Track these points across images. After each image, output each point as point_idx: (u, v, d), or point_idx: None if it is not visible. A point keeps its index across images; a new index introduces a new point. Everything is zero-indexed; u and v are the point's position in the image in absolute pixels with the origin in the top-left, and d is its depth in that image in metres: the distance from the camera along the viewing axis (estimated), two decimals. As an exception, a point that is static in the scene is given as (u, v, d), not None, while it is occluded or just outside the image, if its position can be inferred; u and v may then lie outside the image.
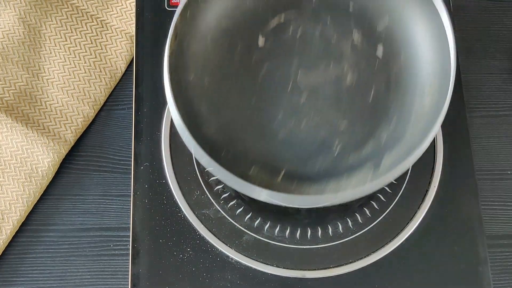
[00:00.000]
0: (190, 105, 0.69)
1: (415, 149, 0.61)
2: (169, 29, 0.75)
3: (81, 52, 0.75)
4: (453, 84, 0.63)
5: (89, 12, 0.76)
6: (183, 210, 0.68)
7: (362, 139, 0.68)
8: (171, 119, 0.71)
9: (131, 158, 0.70)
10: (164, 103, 0.72)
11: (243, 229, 0.69)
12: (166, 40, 0.74)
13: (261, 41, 0.72)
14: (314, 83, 0.71)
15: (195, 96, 0.69)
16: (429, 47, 0.69)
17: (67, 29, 0.76)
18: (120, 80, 0.75)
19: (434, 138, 0.71)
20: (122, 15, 0.77)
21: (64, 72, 0.74)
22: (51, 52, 0.75)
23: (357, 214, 0.70)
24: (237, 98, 0.70)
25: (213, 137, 0.68)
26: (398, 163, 0.61)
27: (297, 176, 0.67)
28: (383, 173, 0.63)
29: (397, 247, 0.67)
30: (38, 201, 0.70)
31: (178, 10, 0.67)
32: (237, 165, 0.66)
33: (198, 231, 0.65)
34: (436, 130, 0.61)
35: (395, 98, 0.69)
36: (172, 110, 0.64)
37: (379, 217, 0.70)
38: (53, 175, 0.71)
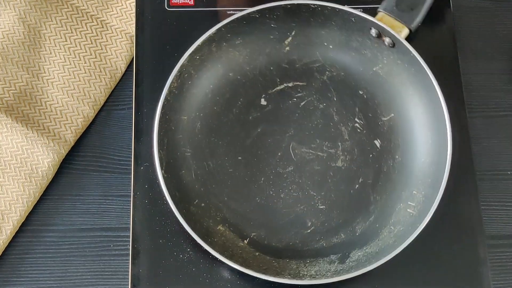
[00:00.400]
0: (176, 145, 0.69)
1: (384, 254, 0.63)
2: (169, 29, 0.76)
3: (81, 52, 0.75)
4: (439, 199, 0.64)
5: (89, 12, 0.76)
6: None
7: (336, 228, 0.69)
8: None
9: (131, 158, 0.70)
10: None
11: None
12: (166, 40, 0.75)
13: (263, 101, 0.72)
14: (304, 157, 0.71)
15: (183, 138, 0.70)
16: (427, 155, 0.69)
17: (67, 29, 0.76)
18: (120, 80, 0.75)
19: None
20: (122, 15, 0.76)
21: (64, 72, 0.74)
22: (51, 52, 0.75)
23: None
24: (224, 152, 0.71)
25: (189, 183, 0.69)
26: (364, 264, 0.63)
27: (262, 246, 0.68)
28: (345, 270, 0.64)
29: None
30: (38, 201, 0.70)
31: (188, 51, 0.68)
32: (205, 218, 0.67)
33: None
34: (410, 241, 0.63)
35: (380, 196, 0.70)
36: (154, 146, 0.66)
37: (379, 217, 0.70)
38: (53, 175, 0.71)
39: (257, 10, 0.70)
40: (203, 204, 0.68)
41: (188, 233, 0.63)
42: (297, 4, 0.70)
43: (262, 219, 0.69)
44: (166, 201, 0.68)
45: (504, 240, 0.70)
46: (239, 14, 0.70)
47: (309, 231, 0.68)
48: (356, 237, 0.68)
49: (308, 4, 0.70)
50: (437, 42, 0.75)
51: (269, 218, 0.69)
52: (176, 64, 0.69)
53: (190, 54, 0.69)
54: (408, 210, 0.67)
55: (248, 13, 0.70)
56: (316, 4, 0.70)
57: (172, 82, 0.68)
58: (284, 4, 0.70)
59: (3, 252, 0.68)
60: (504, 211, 0.71)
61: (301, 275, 0.65)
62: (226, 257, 0.62)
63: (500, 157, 0.73)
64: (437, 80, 0.68)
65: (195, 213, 0.67)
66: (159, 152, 0.66)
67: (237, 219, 0.68)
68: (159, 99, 0.67)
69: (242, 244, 0.67)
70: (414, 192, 0.68)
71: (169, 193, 0.64)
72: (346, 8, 0.70)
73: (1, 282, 0.68)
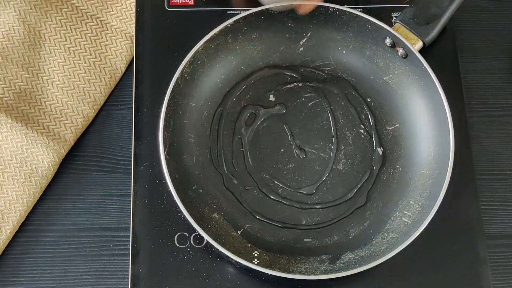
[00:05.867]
0: (181, 129, 0.70)
1: (375, 258, 0.63)
2: (169, 29, 0.76)
3: (81, 52, 0.75)
4: (435, 211, 0.64)
5: (89, 12, 0.76)
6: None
7: (330, 229, 0.69)
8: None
9: (131, 158, 0.70)
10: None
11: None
12: (166, 40, 0.75)
13: (272, 97, 0.73)
14: (306, 156, 0.71)
15: (189, 123, 0.71)
16: (427, 167, 0.69)
17: (67, 29, 0.76)
18: (120, 80, 0.75)
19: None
20: (122, 15, 0.77)
21: (64, 72, 0.74)
22: (51, 52, 0.75)
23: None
24: (227, 142, 0.71)
25: (190, 168, 0.70)
26: (354, 266, 0.64)
27: (254, 238, 0.68)
28: (335, 270, 0.65)
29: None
30: (38, 201, 0.70)
31: (204, 38, 0.69)
32: (202, 204, 0.68)
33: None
34: (401, 248, 0.63)
35: (376, 203, 0.70)
36: (160, 126, 0.66)
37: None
38: (53, 175, 0.71)
39: (276, 7, 0.71)
40: (201, 190, 0.69)
41: (184, 219, 0.64)
42: (316, 6, 0.71)
43: (257, 212, 0.69)
44: (166, 201, 0.68)
45: (504, 240, 0.70)
46: (258, 8, 0.71)
47: (302, 229, 0.68)
48: (349, 240, 0.68)
49: (327, 7, 0.71)
50: (437, 43, 0.75)
51: (264, 211, 0.69)
52: (177, 64, 0.69)
53: (206, 42, 0.70)
54: (403, 219, 0.67)
55: (267, 9, 0.71)
56: (335, 8, 0.71)
57: (184, 67, 0.69)
58: (304, 5, 0.71)
59: (3, 252, 0.68)
60: (504, 211, 0.71)
61: (290, 270, 0.65)
62: (219, 243, 0.63)
63: (500, 156, 0.73)
64: (438, 80, 0.69)
65: (192, 198, 0.68)
66: (164, 133, 0.66)
67: (232, 209, 0.69)
68: (162, 95, 0.68)
69: (235, 234, 0.67)
70: (411, 202, 0.68)
71: (169, 174, 0.65)
72: (364, 15, 0.71)
73: (1, 282, 0.68)
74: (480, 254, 0.67)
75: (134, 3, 0.76)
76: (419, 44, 0.71)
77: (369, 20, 0.71)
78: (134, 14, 0.76)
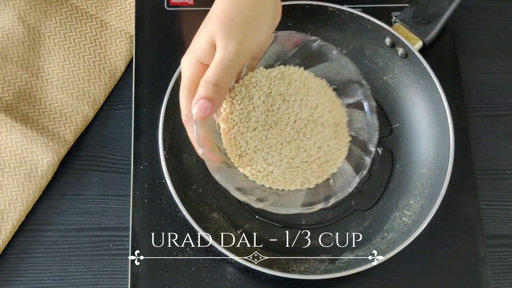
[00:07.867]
0: (181, 129, 0.69)
1: (371, 260, 0.64)
2: (169, 28, 0.76)
3: (81, 52, 0.75)
4: (435, 211, 0.64)
5: (89, 12, 0.76)
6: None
7: (330, 229, 0.69)
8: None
9: (131, 158, 0.70)
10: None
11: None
12: (166, 40, 0.75)
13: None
14: None
15: None
16: (427, 167, 0.69)
17: (66, 29, 0.76)
18: (119, 80, 0.75)
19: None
20: (122, 15, 0.77)
21: (64, 72, 0.74)
22: (50, 52, 0.75)
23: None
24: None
25: (190, 168, 0.69)
26: (353, 266, 0.64)
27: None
28: (335, 270, 0.65)
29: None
30: (38, 200, 0.70)
31: None
32: (202, 203, 0.68)
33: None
34: (401, 248, 0.63)
35: (376, 204, 0.70)
36: (159, 126, 0.67)
37: (379, 217, 0.70)
38: (52, 175, 0.71)
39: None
40: (200, 190, 0.69)
41: (184, 219, 0.64)
42: (316, 5, 0.71)
43: (257, 212, 0.69)
44: (166, 201, 0.68)
45: (503, 239, 0.70)
46: None
47: (302, 229, 0.68)
48: (349, 240, 0.68)
49: (326, 7, 0.71)
50: (437, 42, 0.75)
51: (264, 211, 0.69)
52: (177, 63, 0.69)
53: None
54: (403, 218, 0.68)
55: None
56: (334, 8, 0.71)
57: None
58: (303, 4, 0.71)
59: (2, 252, 0.68)
60: (504, 210, 0.71)
61: (290, 269, 0.65)
62: (218, 243, 0.63)
63: (499, 156, 0.73)
64: (438, 80, 0.69)
65: (192, 198, 0.68)
66: (163, 133, 0.67)
67: (232, 209, 0.69)
68: (162, 95, 0.68)
69: (235, 234, 0.67)
70: (411, 201, 0.68)
71: (169, 174, 0.65)
72: (364, 14, 0.71)
73: (1, 281, 0.68)
74: (480, 254, 0.67)
75: (134, 3, 0.76)
76: (419, 44, 0.72)
77: (369, 20, 0.71)
78: (134, 14, 0.76)
